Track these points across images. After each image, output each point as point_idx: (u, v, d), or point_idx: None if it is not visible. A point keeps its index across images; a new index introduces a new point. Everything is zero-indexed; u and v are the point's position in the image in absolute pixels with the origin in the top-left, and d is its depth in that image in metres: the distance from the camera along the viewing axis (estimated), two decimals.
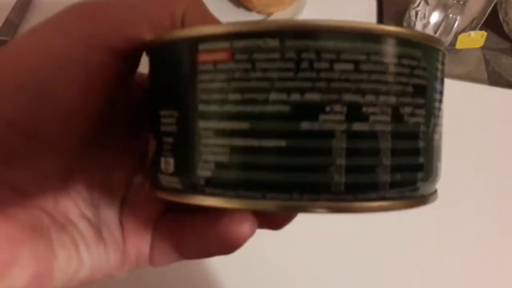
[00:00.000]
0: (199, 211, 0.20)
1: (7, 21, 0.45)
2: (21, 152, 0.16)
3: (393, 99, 0.15)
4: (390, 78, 0.15)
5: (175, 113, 0.16)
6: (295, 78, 0.14)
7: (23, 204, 0.17)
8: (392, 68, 0.15)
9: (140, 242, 0.20)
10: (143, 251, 0.20)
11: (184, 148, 0.16)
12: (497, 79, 0.51)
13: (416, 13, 0.50)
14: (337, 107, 0.14)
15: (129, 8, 0.17)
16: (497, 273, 0.41)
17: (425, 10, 0.49)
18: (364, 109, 0.15)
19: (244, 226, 0.17)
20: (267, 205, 0.15)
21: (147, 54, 0.18)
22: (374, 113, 0.15)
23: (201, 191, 0.16)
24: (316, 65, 0.14)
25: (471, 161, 0.45)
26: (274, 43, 0.14)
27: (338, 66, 0.14)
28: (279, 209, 0.15)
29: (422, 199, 0.17)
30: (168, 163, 0.17)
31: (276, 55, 0.14)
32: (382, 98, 0.15)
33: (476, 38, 0.47)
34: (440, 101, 0.17)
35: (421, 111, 0.16)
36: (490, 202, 0.43)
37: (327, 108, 0.14)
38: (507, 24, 0.53)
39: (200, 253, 0.19)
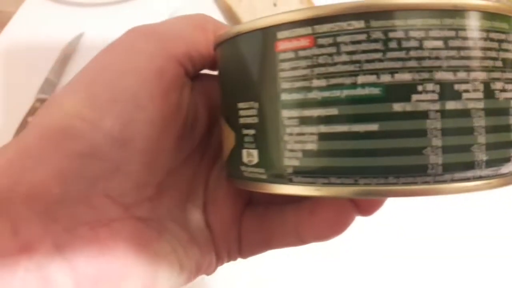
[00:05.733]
0: (284, 201, 0.20)
1: (47, 81, 0.49)
2: (117, 163, 0.16)
3: (484, 75, 0.14)
4: (480, 54, 0.14)
5: (255, 105, 0.16)
6: (384, 59, 0.14)
7: (124, 217, 0.17)
8: (481, 43, 0.14)
9: (229, 239, 0.20)
10: (233, 247, 0.20)
11: (268, 139, 0.16)
12: None
13: None
14: (430, 86, 0.14)
15: (175, 29, 0.19)
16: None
17: None
18: (456, 87, 0.14)
19: (346, 215, 0.17)
20: (361, 191, 0.14)
21: (215, 50, 0.18)
22: (466, 91, 0.14)
23: (288, 180, 0.15)
24: (405, 44, 0.14)
25: None
26: (359, 24, 0.14)
27: (427, 44, 0.14)
28: (374, 194, 0.15)
29: None
30: (251, 155, 0.16)
31: (363, 37, 0.14)
32: (473, 75, 0.14)
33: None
34: None
35: (511, 86, 0.15)
36: None
37: (419, 88, 0.14)
38: None
39: (294, 243, 0.19)
